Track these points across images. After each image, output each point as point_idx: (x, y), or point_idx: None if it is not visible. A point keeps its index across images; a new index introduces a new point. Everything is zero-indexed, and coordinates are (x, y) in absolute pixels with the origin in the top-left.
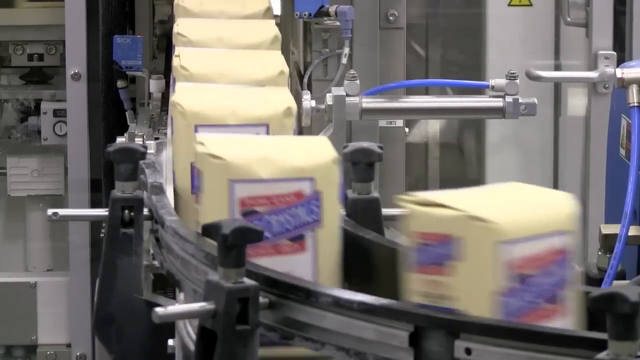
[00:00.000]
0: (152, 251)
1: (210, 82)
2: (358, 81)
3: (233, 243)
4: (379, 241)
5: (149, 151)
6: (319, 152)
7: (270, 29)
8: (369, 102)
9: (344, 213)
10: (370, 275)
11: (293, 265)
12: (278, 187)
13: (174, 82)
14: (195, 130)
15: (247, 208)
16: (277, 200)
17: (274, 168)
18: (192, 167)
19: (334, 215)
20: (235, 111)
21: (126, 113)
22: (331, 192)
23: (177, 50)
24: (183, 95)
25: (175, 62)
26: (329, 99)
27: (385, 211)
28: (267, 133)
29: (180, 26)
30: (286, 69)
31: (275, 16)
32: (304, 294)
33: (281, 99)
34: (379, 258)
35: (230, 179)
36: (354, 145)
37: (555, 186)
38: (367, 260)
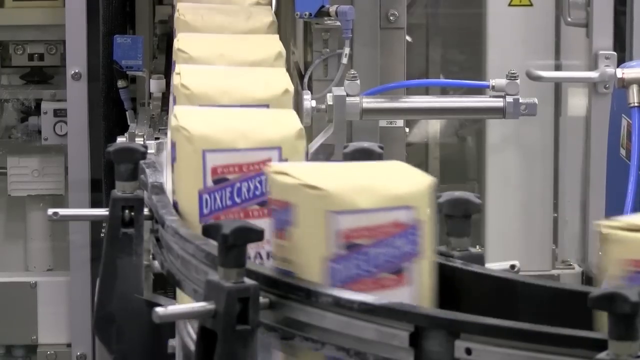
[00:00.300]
0: (152, 251)
1: (212, 101)
2: (358, 81)
3: (233, 243)
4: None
5: (149, 151)
6: (410, 176)
7: (274, 45)
8: (369, 102)
9: None
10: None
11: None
12: (377, 218)
13: (174, 101)
14: (204, 156)
15: (349, 241)
16: (378, 231)
17: (373, 197)
18: (202, 195)
19: (431, 244)
20: (246, 133)
21: (126, 113)
22: (427, 220)
23: (178, 67)
24: (189, 119)
25: (175, 80)
26: (329, 99)
27: None
28: (280, 155)
29: (181, 41)
30: (291, 88)
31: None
32: (305, 294)
33: (289, 120)
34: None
35: (331, 211)
36: (354, 145)
37: (556, 186)
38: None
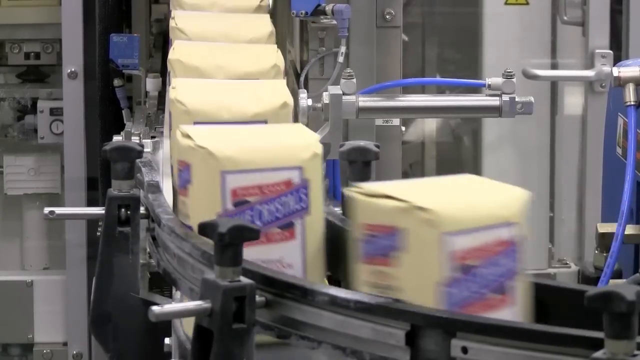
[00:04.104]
0: (148, 250)
1: (209, 117)
2: (355, 80)
3: (229, 242)
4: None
5: (145, 150)
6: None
7: (271, 56)
8: (365, 101)
9: (340, 211)
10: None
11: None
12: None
13: (170, 116)
14: (223, 178)
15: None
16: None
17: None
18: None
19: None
20: (266, 153)
21: (123, 111)
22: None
23: (174, 81)
24: (205, 137)
25: (171, 94)
26: (325, 97)
27: None
28: (301, 177)
29: (177, 50)
30: (290, 101)
31: (272, 14)
32: (301, 293)
33: (302, 135)
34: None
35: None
36: (350, 144)
37: (552, 185)
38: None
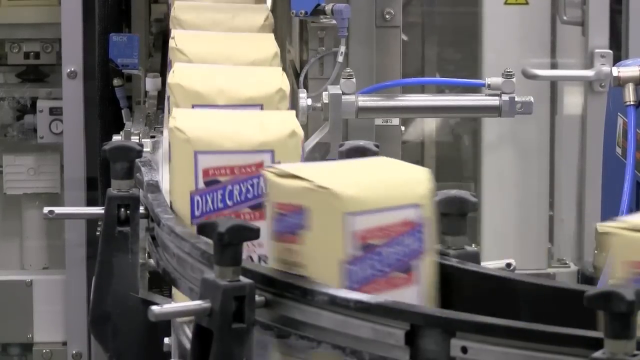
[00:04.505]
0: (148, 249)
1: (210, 147)
2: (354, 80)
3: (229, 241)
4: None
5: (145, 149)
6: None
7: (276, 79)
8: (365, 101)
9: None
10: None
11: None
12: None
13: (170, 147)
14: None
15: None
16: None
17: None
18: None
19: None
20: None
21: (122, 111)
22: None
23: (174, 111)
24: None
25: (171, 123)
26: (325, 97)
27: None
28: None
29: (177, 74)
30: (299, 130)
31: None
32: (300, 293)
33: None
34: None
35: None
36: (350, 143)
37: (552, 185)
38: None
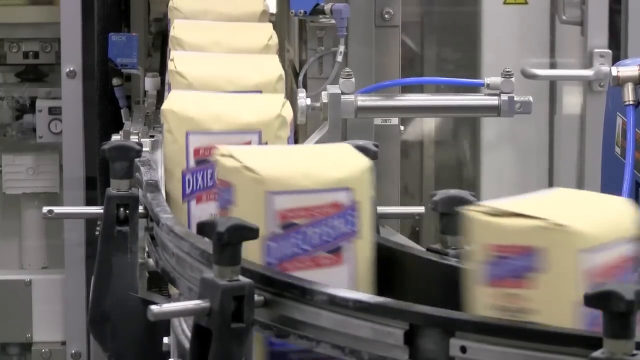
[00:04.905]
0: (147, 249)
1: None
2: (353, 79)
3: (228, 241)
4: (404, 249)
5: (144, 149)
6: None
7: (276, 106)
8: (364, 100)
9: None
10: (398, 285)
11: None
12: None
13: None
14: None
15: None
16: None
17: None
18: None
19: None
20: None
21: (121, 111)
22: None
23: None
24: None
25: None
26: (324, 97)
27: (380, 209)
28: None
29: (172, 99)
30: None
31: (271, 14)
32: (300, 292)
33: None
34: (405, 266)
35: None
36: (349, 143)
37: (551, 184)
38: (394, 269)
